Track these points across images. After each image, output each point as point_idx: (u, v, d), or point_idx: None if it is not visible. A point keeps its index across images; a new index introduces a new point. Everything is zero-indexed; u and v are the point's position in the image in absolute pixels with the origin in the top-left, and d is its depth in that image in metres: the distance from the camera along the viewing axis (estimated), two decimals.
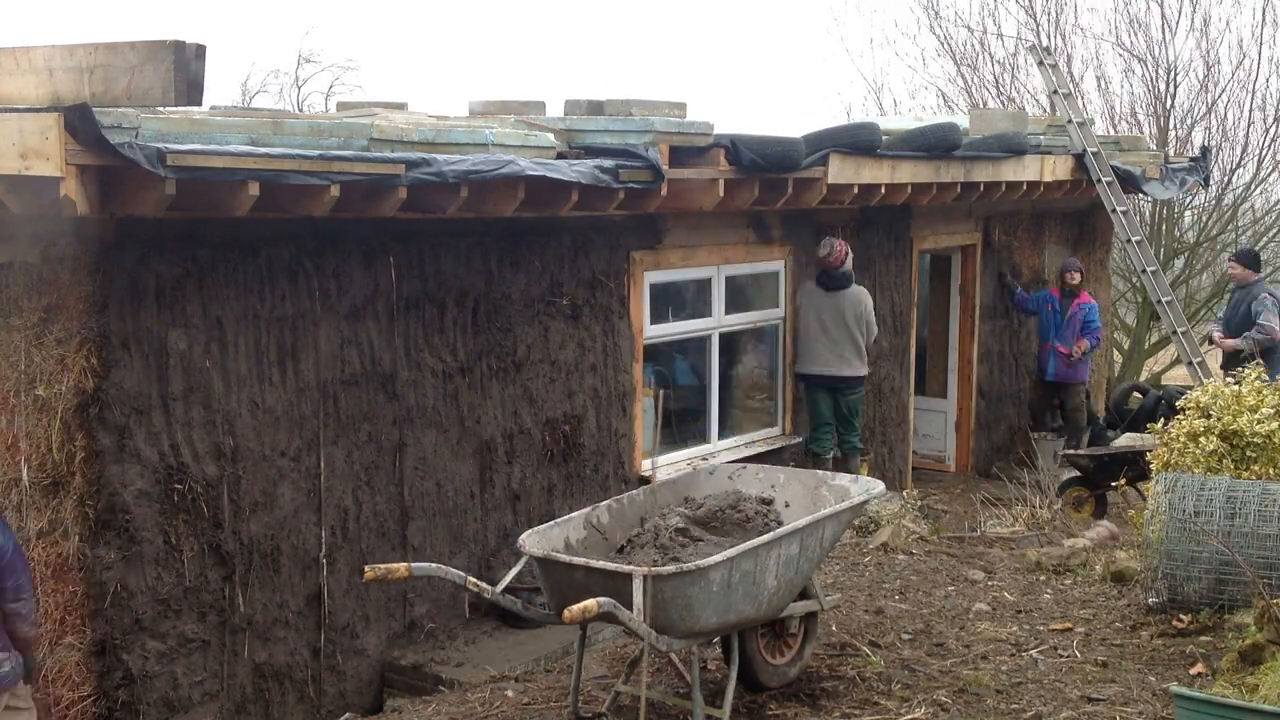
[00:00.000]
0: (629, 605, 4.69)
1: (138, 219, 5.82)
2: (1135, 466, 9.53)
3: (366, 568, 4.94)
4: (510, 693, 5.90)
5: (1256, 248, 16.24)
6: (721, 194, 8.26)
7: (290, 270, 6.61)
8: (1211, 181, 15.47)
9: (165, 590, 6.15)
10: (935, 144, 9.96)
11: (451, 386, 7.42)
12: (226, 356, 6.37)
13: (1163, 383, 16.97)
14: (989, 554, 7.41)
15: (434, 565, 5.12)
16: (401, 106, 8.50)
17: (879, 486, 5.77)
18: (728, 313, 9.49)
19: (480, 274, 7.55)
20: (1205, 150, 15.01)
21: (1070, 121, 12.09)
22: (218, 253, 6.30)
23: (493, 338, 7.64)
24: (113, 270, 5.92)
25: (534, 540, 5.20)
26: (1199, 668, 5.44)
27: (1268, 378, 7.11)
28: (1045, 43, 18.76)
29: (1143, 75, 19.21)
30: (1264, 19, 18.75)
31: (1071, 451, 10.91)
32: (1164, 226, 18.84)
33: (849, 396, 9.90)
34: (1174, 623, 5.87)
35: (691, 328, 9.34)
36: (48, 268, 5.88)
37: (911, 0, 22.88)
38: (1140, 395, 13.98)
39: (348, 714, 6.80)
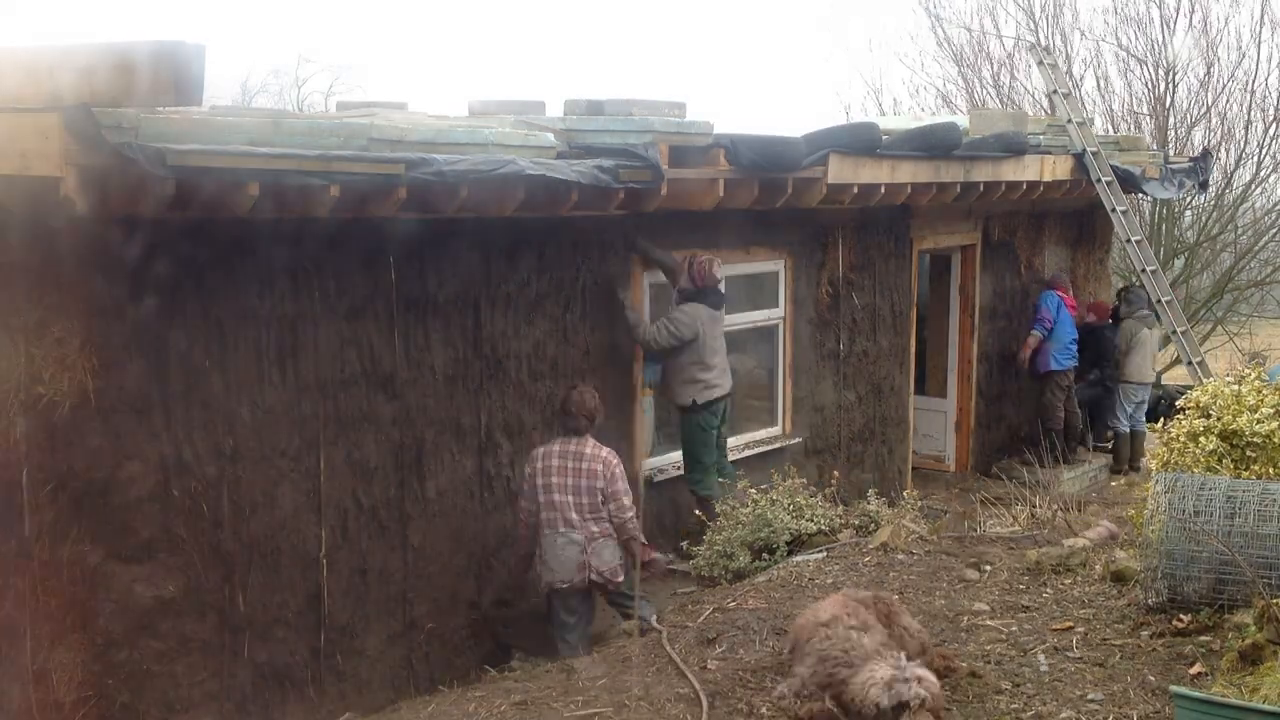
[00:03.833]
0: None
1: (138, 219, 5.82)
2: None
3: None
4: (511, 695, 5.89)
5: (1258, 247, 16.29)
6: (721, 194, 8.26)
7: (290, 270, 6.61)
8: (1209, 185, 15.45)
9: (165, 590, 6.15)
10: (935, 144, 9.96)
11: (451, 386, 7.42)
12: (226, 356, 6.36)
13: (1163, 382, 16.97)
14: (989, 554, 7.39)
15: None
16: (401, 106, 8.50)
17: None
18: (728, 313, 9.47)
19: (480, 274, 7.55)
20: (1206, 152, 14.98)
21: (1070, 121, 12.09)
22: (218, 253, 6.30)
23: (492, 338, 7.64)
24: (113, 270, 5.92)
25: None
26: (1199, 668, 5.43)
27: None
28: (1044, 42, 18.75)
29: (1142, 75, 19.22)
30: (1262, 18, 18.78)
31: None
32: (1164, 226, 18.84)
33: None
34: (1174, 623, 5.85)
35: None
36: (48, 268, 5.87)
37: (912, 1, 22.91)
38: None
39: (348, 714, 6.80)
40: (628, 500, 7.11)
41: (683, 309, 8.53)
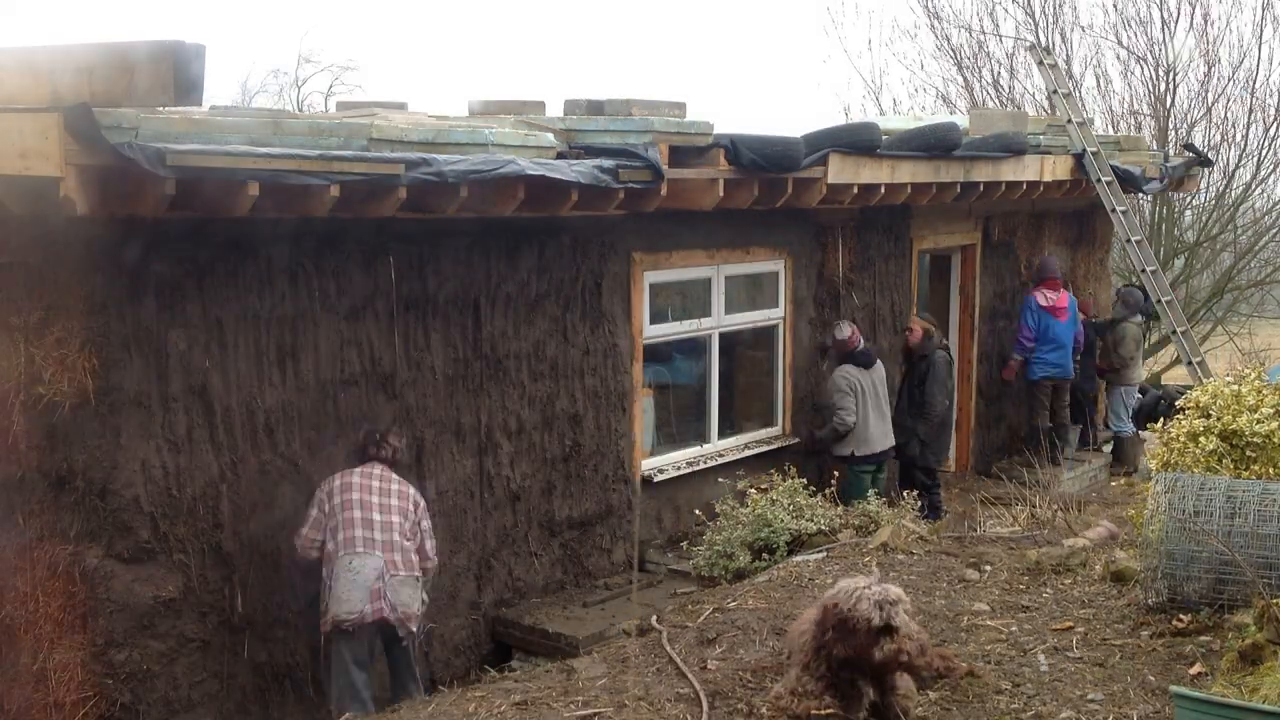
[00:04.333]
0: None
1: (138, 219, 5.82)
2: None
3: None
4: (511, 695, 5.89)
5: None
6: (721, 194, 8.26)
7: (290, 270, 6.61)
8: (1211, 163, 15.58)
9: (165, 590, 6.15)
10: (935, 144, 9.95)
11: (451, 386, 7.42)
12: (226, 356, 6.36)
13: (1163, 382, 16.99)
14: (989, 554, 7.39)
15: None
16: (401, 106, 8.49)
17: None
18: (727, 312, 9.48)
19: (480, 274, 7.55)
20: (1189, 145, 15.17)
21: (1070, 121, 12.08)
22: (218, 253, 6.30)
23: (492, 338, 7.64)
24: (113, 270, 5.92)
25: None
26: (1199, 668, 5.43)
27: None
28: (1044, 42, 18.76)
29: (1142, 75, 19.23)
30: (1264, 17, 18.78)
31: None
32: (1164, 226, 18.85)
33: None
34: (1174, 623, 5.85)
35: (691, 328, 9.34)
36: (48, 268, 5.88)
37: (912, 0, 22.90)
38: (1140, 395, 14.01)
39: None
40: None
41: (836, 373, 9.72)
